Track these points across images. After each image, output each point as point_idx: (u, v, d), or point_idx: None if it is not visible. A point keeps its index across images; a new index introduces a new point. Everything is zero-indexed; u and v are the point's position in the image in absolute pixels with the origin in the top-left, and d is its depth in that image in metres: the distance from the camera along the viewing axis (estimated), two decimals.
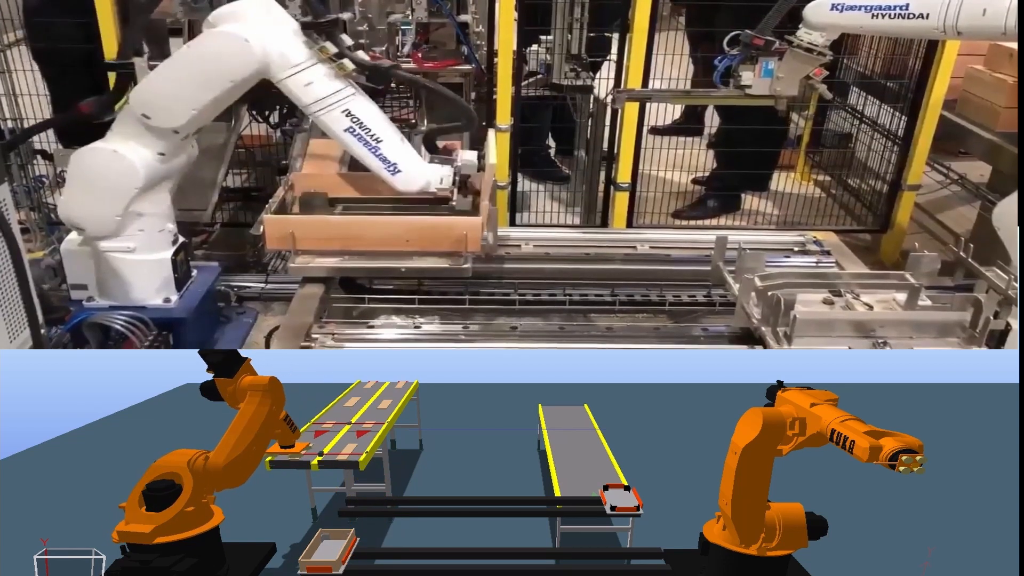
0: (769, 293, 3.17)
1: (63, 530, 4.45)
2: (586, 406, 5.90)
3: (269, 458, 3.71)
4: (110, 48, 4.21)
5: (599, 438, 4.90)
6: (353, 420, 4.78)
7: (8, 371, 6.65)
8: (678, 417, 7.77)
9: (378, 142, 3.44)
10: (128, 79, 3.49)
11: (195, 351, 3.20)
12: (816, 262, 4.07)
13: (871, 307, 3.32)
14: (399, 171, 3.50)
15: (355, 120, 3.38)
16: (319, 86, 3.30)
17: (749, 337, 3.33)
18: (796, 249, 4.22)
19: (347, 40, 3.39)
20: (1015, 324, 2.99)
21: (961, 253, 3.43)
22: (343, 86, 3.35)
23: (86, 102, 3.58)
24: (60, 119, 4.16)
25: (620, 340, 3.49)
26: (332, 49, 3.25)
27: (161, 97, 3.29)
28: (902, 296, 3.35)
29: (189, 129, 3.40)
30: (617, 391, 8.85)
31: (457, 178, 3.62)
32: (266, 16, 3.27)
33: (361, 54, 3.51)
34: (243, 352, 3.00)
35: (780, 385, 2.54)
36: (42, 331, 3.01)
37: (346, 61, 3.29)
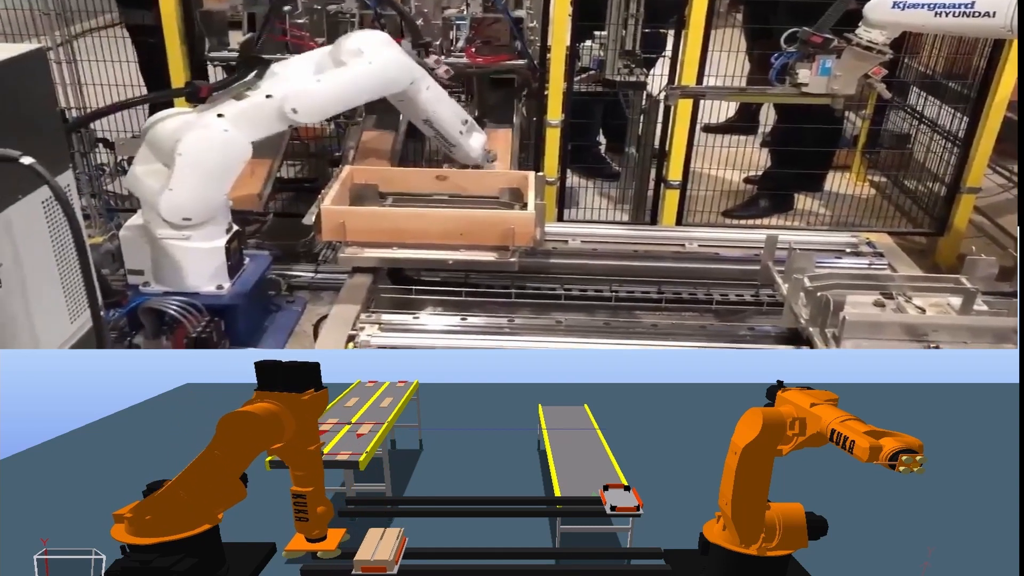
0: (818, 294, 3.12)
1: (63, 530, 4.38)
2: (586, 406, 5.83)
3: (269, 458, 3.62)
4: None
5: (599, 438, 4.83)
6: (353, 420, 4.72)
7: (8, 371, 6.46)
8: (678, 417, 7.67)
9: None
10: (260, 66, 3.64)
11: (193, 351, 3.26)
12: (868, 264, 4.00)
13: (923, 311, 3.26)
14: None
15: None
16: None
17: (796, 338, 3.29)
18: (848, 251, 4.15)
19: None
20: None
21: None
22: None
23: (204, 85, 3.59)
24: (170, 93, 4.23)
25: (665, 338, 3.48)
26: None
27: (323, 99, 3.61)
28: (957, 300, 3.28)
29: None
30: (617, 391, 8.72)
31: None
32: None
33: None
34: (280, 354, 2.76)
35: (780, 385, 2.51)
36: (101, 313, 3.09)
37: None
